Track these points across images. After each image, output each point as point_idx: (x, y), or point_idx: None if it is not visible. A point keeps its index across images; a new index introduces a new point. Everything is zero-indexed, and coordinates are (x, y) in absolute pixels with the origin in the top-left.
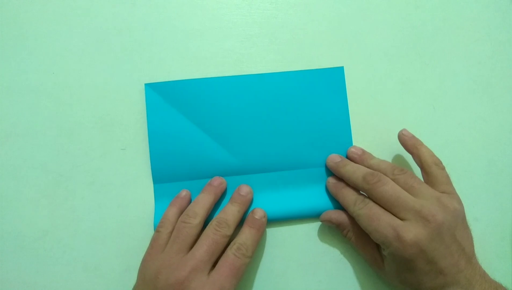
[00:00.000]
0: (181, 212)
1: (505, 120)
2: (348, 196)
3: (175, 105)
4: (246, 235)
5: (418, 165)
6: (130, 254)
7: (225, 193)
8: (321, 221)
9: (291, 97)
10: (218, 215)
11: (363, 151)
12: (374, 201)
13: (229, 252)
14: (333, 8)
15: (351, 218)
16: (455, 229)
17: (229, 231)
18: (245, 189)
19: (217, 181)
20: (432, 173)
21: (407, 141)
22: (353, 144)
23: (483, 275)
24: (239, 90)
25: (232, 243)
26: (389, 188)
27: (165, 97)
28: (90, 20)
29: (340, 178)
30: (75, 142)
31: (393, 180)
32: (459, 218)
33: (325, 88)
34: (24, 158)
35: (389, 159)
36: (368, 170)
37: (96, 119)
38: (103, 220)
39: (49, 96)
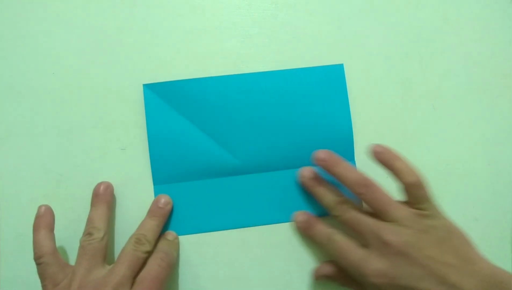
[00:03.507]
0: (51, 230)
1: (505, 120)
2: (321, 230)
3: (174, 105)
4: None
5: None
6: None
7: (225, 194)
8: (316, 279)
9: (291, 95)
10: (136, 231)
11: (331, 155)
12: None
13: (153, 262)
14: (333, 8)
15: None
16: (426, 247)
17: (149, 247)
18: (163, 200)
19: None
20: (410, 193)
21: (383, 156)
22: (354, 142)
23: (492, 276)
24: (237, 89)
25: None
26: (351, 216)
27: (164, 98)
28: (90, 20)
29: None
30: (75, 142)
31: (359, 195)
32: (433, 233)
33: (325, 85)
34: (24, 158)
35: None
36: (336, 198)
37: (96, 119)
38: None
39: (49, 96)
